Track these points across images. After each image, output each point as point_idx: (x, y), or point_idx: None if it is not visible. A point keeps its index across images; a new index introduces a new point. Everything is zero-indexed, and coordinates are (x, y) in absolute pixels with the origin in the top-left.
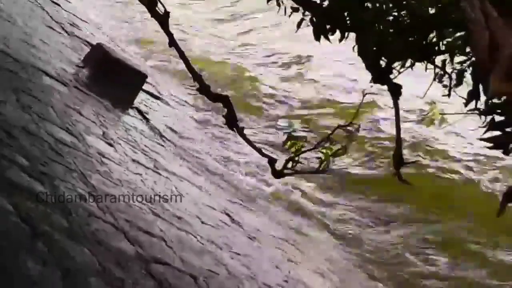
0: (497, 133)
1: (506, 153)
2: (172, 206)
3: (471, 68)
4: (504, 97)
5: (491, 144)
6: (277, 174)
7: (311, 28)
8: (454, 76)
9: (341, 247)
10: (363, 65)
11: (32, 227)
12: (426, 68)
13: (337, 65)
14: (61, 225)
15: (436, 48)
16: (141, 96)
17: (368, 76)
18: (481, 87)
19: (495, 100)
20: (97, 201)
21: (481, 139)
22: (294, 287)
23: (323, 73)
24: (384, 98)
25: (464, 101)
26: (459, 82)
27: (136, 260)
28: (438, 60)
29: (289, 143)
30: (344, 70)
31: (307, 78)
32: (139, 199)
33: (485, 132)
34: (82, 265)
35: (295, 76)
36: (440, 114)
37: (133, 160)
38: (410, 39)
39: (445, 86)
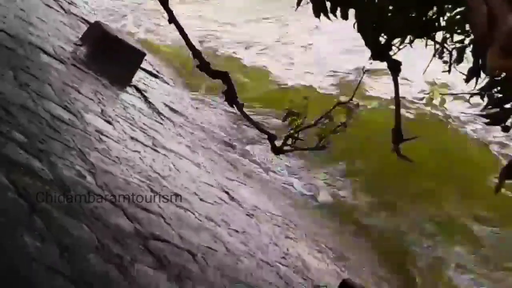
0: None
1: (504, 129)
2: (170, 183)
3: (471, 46)
4: (502, 74)
5: (488, 120)
6: (277, 151)
7: None
8: (454, 52)
9: (337, 222)
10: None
11: (30, 203)
12: (426, 45)
13: None
14: (59, 202)
15: (436, 24)
16: (139, 74)
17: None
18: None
19: (494, 78)
20: (95, 179)
21: (479, 115)
22: (292, 263)
23: None
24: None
25: (465, 77)
26: (460, 59)
27: (134, 237)
28: (438, 37)
29: (289, 119)
30: None
31: None
32: (138, 176)
33: (484, 108)
34: (81, 241)
35: None
36: (440, 94)
37: (132, 138)
38: (410, 15)
39: (445, 62)
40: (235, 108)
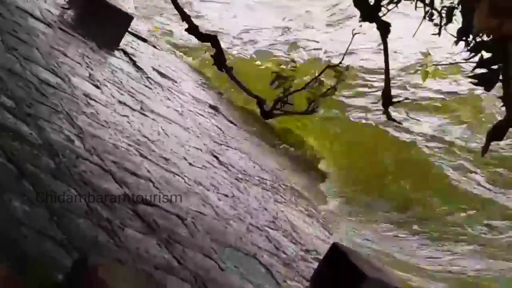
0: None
1: (487, 89)
2: (159, 148)
3: (460, 5)
4: (490, 35)
5: (476, 81)
6: (266, 115)
7: None
8: (444, 14)
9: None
10: None
11: (18, 167)
12: (416, 7)
13: None
14: (48, 166)
15: None
16: (127, 38)
17: None
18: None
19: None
20: (84, 143)
21: (468, 77)
22: (281, 227)
23: None
24: None
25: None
26: (449, 19)
27: (123, 201)
28: None
29: (276, 82)
30: None
31: None
32: (126, 140)
33: (473, 69)
34: (70, 206)
35: None
36: (433, 64)
37: (120, 102)
38: None
39: (436, 25)
40: (224, 71)
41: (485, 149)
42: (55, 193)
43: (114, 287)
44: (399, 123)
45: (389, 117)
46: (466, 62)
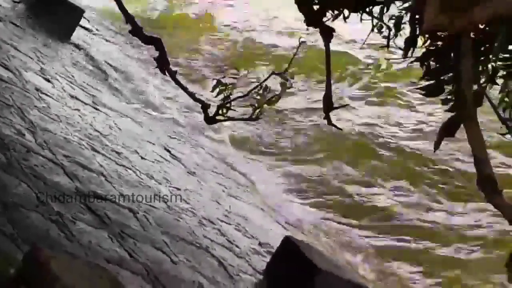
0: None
1: (444, 102)
2: (111, 142)
3: (408, 14)
4: (439, 43)
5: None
6: (210, 120)
7: None
8: (392, 25)
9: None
10: None
11: None
12: (361, 19)
13: None
14: None
15: None
16: (79, 31)
17: None
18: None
19: (430, 48)
20: (35, 137)
21: (417, 88)
22: (234, 221)
23: None
24: None
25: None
26: (397, 29)
27: (75, 195)
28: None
29: (217, 89)
30: None
31: None
32: (78, 134)
33: (421, 79)
34: (21, 199)
35: None
36: (385, 59)
37: (71, 96)
38: None
39: (384, 37)
40: (167, 75)
41: (437, 144)
42: (6, 187)
43: (66, 280)
44: (340, 128)
45: (330, 122)
46: (416, 61)
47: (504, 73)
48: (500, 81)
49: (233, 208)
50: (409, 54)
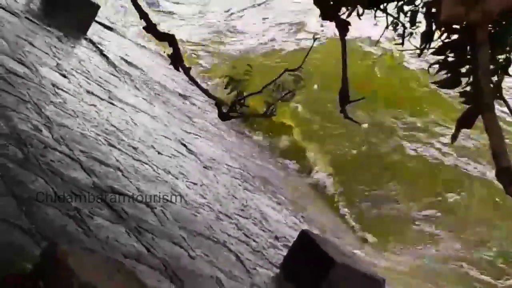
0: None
1: (462, 95)
2: (127, 137)
3: (424, 9)
4: (455, 36)
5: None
6: (224, 116)
7: None
8: (407, 22)
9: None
10: None
11: None
12: (375, 16)
13: None
14: (15, 156)
15: None
16: (94, 27)
17: None
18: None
19: (446, 40)
20: (51, 132)
21: (432, 83)
22: (250, 215)
23: None
24: None
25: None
26: (413, 24)
27: (92, 190)
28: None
29: (230, 86)
30: None
31: None
32: (95, 130)
33: (437, 72)
34: (38, 195)
35: None
36: (399, 50)
37: (88, 92)
38: None
39: (399, 35)
40: (182, 71)
41: (455, 137)
42: (23, 182)
43: (83, 275)
44: (357, 122)
45: (346, 116)
46: (432, 54)
47: None
48: None
49: (250, 202)
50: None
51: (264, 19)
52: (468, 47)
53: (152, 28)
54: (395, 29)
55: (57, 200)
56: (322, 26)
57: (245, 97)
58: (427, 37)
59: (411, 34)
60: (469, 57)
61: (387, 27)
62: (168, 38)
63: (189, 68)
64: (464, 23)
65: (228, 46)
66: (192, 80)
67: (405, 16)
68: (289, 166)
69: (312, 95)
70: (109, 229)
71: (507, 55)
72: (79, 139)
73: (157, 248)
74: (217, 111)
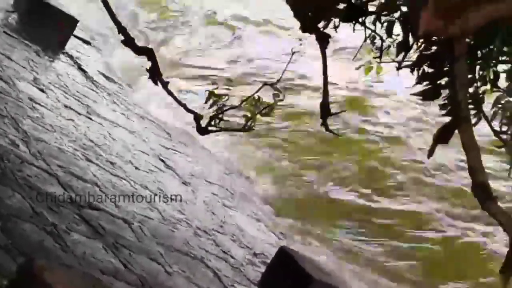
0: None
1: (442, 107)
2: (105, 152)
3: (401, 19)
4: (433, 48)
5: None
6: (202, 131)
7: None
8: (384, 35)
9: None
10: None
11: None
12: (353, 29)
13: None
14: None
15: (364, 9)
16: (73, 41)
17: None
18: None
19: (424, 52)
20: (29, 147)
21: (412, 94)
22: (229, 231)
23: None
24: None
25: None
26: (389, 34)
27: (69, 205)
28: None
29: (210, 100)
30: None
31: None
32: (72, 144)
33: (415, 84)
34: (15, 210)
35: None
36: (377, 62)
37: (65, 106)
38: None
39: (377, 48)
40: (160, 85)
41: (431, 151)
42: (0, 198)
43: None
44: (338, 135)
45: (327, 129)
46: (407, 67)
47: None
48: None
49: (228, 218)
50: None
51: None
52: (446, 59)
53: (130, 42)
54: (372, 42)
55: (34, 215)
56: (300, 40)
57: (223, 112)
58: (403, 48)
59: (389, 46)
60: (447, 69)
61: (365, 40)
62: (146, 52)
63: (167, 82)
64: (442, 36)
65: None
66: (170, 94)
67: (382, 27)
68: None
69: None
70: (86, 244)
71: (494, 69)
72: (57, 154)
73: (134, 264)
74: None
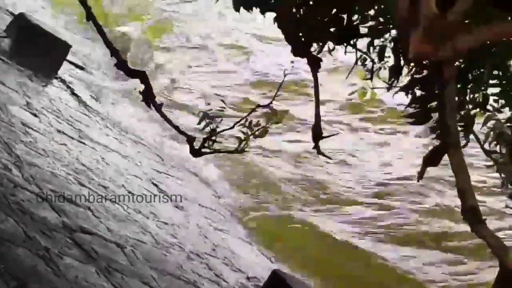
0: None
1: (432, 130)
2: (98, 176)
3: (392, 43)
4: (424, 71)
5: (412, 120)
6: (195, 153)
7: None
8: (376, 57)
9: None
10: None
11: None
12: (345, 52)
13: None
14: None
15: (356, 32)
16: (65, 66)
17: None
18: (402, 62)
19: (415, 76)
20: (21, 171)
21: (403, 117)
22: (222, 255)
23: None
24: None
25: (386, 85)
26: (381, 58)
27: (61, 229)
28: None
29: (204, 122)
30: None
31: None
32: (65, 169)
33: (407, 107)
34: (8, 234)
35: None
36: (370, 88)
37: (58, 131)
38: (325, 21)
39: (368, 70)
40: (153, 108)
41: (421, 174)
42: None
43: None
44: (329, 157)
45: (319, 152)
46: (399, 91)
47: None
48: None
49: (221, 242)
50: (394, 83)
51: None
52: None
53: (123, 65)
54: (363, 64)
55: (27, 240)
56: (292, 62)
57: (216, 134)
58: (395, 72)
59: (379, 69)
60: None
61: (356, 63)
62: (139, 75)
63: (161, 105)
64: (432, 60)
65: None
66: (164, 117)
67: (374, 51)
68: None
69: None
70: (78, 269)
71: (484, 92)
72: (49, 178)
73: None
74: (188, 147)
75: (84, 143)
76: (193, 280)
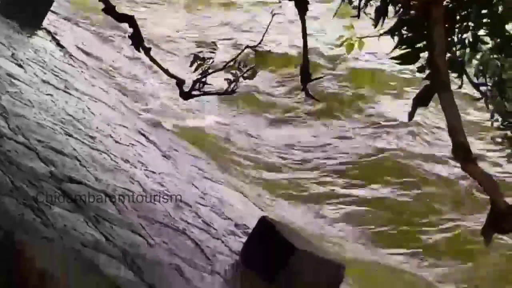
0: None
1: (420, 70)
2: (84, 126)
3: None
4: (412, 12)
5: (400, 61)
6: (185, 95)
7: None
8: None
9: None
10: None
11: None
12: None
13: None
14: None
15: None
16: (50, 17)
17: None
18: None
19: (402, 17)
20: (8, 122)
21: (391, 58)
22: (211, 203)
23: None
24: None
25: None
26: None
27: (49, 179)
28: None
29: (195, 64)
30: None
31: None
32: (51, 119)
33: (394, 48)
34: None
35: None
36: (357, 37)
37: (44, 81)
38: None
39: (355, 7)
40: (143, 52)
41: (412, 114)
42: None
43: (41, 265)
44: (317, 100)
45: (308, 94)
46: (386, 33)
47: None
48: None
49: (209, 190)
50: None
51: None
52: (425, 23)
53: (111, 10)
54: (350, 2)
55: (14, 190)
56: (279, 2)
57: (207, 75)
58: (381, 12)
59: (366, 5)
60: (425, 33)
61: (343, 0)
62: (127, 19)
63: (149, 49)
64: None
65: None
66: (153, 60)
67: None
68: None
69: None
70: (67, 218)
71: (473, 31)
72: (36, 128)
73: (115, 237)
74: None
75: (70, 93)
76: (182, 228)
